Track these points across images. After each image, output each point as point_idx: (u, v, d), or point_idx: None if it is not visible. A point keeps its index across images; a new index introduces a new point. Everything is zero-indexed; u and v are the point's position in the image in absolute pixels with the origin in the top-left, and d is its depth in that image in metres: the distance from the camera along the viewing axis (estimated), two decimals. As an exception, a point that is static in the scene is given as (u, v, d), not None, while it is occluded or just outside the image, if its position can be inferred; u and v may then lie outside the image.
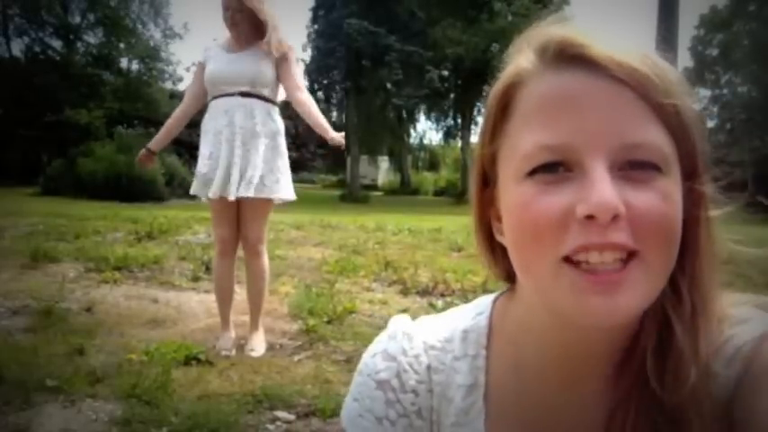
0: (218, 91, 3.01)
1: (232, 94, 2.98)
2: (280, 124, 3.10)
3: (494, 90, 0.56)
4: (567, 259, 0.48)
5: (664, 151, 0.48)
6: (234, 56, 3.01)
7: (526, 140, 0.50)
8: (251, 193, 2.93)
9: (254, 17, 2.98)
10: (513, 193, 0.52)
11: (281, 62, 3.07)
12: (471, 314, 0.66)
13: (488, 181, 0.58)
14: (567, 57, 0.50)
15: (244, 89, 2.98)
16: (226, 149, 2.95)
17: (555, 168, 0.49)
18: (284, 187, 3.07)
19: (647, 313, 0.52)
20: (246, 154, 2.96)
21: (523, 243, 0.51)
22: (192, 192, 3.11)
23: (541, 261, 0.49)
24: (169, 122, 3.20)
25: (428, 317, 0.69)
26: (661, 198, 0.47)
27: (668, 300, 0.52)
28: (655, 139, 0.48)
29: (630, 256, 0.47)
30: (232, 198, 2.93)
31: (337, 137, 3.00)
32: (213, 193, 2.95)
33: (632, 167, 0.48)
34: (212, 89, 3.03)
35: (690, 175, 0.51)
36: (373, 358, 0.64)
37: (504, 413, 0.60)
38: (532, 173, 0.50)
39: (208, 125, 3.03)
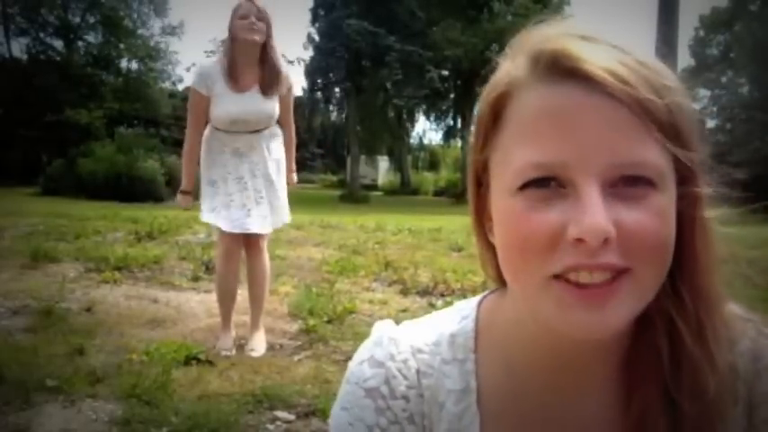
0: (225, 127, 3.02)
1: (241, 132, 3.01)
2: (281, 144, 3.19)
3: (485, 95, 0.55)
4: (556, 276, 0.48)
5: (659, 167, 0.47)
6: (242, 97, 2.98)
7: (517, 156, 0.49)
8: (268, 230, 3.07)
9: (268, 52, 3.00)
10: (504, 206, 0.51)
11: (283, 100, 3.12)
12: (456, 318, 0.65)
13: (482, 184, 0.57)
14: (560, 70, 0.49)
15: (255, 129, 3.03)
16: (234, 185, 3.01)
17: (546, 183, 0.48)
18: (284, 213, 3.18)
19: (653, 318, 0.52)
20: (254, 190, 3.02)
21: (513, 257, 0.51)
22: (204, 219, 3.09)
23: (530, 276, 0.49)
24: (188, 156, 3.16)
25: (411, 321, 0.68)
26: (654, 215, 0.47)
27: (672, 306, 0.52)
28: (650, 156, 0.47)
29: (620, 272, 0.47)
30: (254, 230, 3.03)
31: (292, 180, 3.28)
32: (210, 219, 3.02)
33: (625, 183, 0.47)
34: (220, 126, 3.03)
35: (686, 179, 0.51)
36: (360, 366, 0.63)
37: (499, 417, 0.60)
38: (524, 187, 0.49)
39: (213, 150, 3.06)
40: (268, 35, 2.97)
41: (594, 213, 0.45)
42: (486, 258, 0.61)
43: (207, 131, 3.09)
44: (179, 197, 3.25)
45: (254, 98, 2.99)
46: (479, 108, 0.56)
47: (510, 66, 0.53)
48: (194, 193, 3.25)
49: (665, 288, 0.51)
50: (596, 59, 0.48)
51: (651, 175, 0.47)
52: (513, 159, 0.50)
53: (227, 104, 2.96)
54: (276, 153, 3.13)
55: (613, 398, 0.57)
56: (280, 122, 3.19)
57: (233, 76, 2.97)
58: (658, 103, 0.47)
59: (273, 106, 3.05)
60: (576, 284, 0.47)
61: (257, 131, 3.04)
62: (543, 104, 0.49)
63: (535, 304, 0.50)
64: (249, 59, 2.98)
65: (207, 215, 3.06)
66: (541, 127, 0.49)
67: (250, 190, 3.01)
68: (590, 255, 0.46)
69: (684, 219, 0.51)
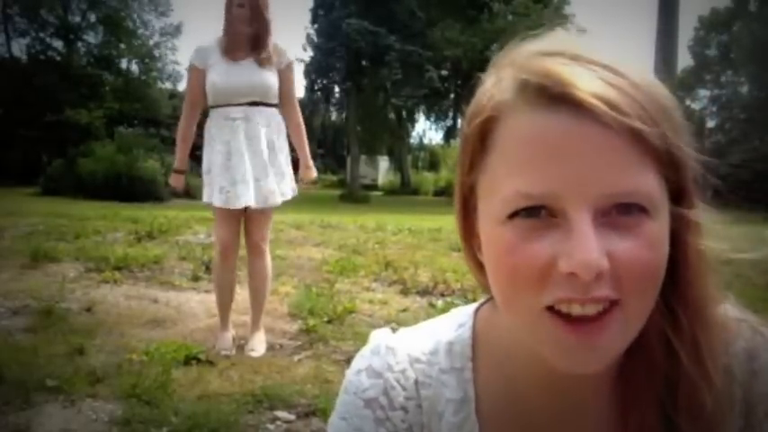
0: (222, 101, 3.01)
1: (238, 104, 2.99)
2: (283, 127, 3.14)
3: (471, 115, 0.53)
4: (548, 308, 0.47)
5: (652, 194, 0.46)
6: (236, 66, 2.99)
7: (506, 185, 0.48)
8: (263, 203, 2.98)
9: (262, 28, 2.99)
10: (494, 235, 0.50)
11: (283, 74, 3.09)
12: (453, 326, 0.64)
13: (469, 204, 0.56)
14: (550, 95, 0.47)
15: (250, 100, 3.00)
16: (234, 160, 2.96)
17: (536, 212, 0.47)
18: (289, 186, 3.13)
19: (648, 337, 0.52)
20: (257, 163, 2.98)
21: (503, 288, 0.50)
22: (206, 200, 3.06)
23: (522, 307, 0.49)
24: (182, 136, 3.16)
25: (408, 329, 0.67)
26: (647, 245, 0.46)
27: (668, 325, 0.52)
28: (643, 183, 0.46)
29: (612, 303, 0.47)
30: (250, 205, 2.96)
31: (311, 175, 3.19)
32: (220, 202, 2.96)
33: (618, 212, 0.46)
34: (216, 99, 3.02)
35: (679, 199, 0.50)
36: (358, 376, 0.62)
37: (499, 426, 0.60)
38: (513, 215, 0.47)
39: (213, 133, 3.02)
40: (261, 11, 2.97)
41: (587, 247, 0.44)
42: (476, 274, 0.60)
43: (208, 120, 3.09)
44: (172, 177, 3.22)
45: (248, 67, 3.00)
46: (465, 128, 0.54)
47: (496, 86, 0.51)
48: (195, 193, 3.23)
49: (660, 307, 0.51)
50: (587, 85, 0.46)
51: (644, 202, 0.46)
52: (501, 187, 0.49)
53: (220, 72, 2.99)
54: (276, 131, 3.08)
55: (609, 411, 0.56)
56: (283, 108, 3.15)
57: (227, 48, 3.01)
58: (652, 128, 0.46)
59: (268, 77, 3.02)
60: (568, 317, 0.47)
61: (254, 104, 3.00)
62: (532, 132, 0.47)
63: (528, 335, 0.50)
64: (242, 38, 3.00)
65: (206, 196, 3.04)
66: (530, 155, 0.47)
67: (247, 164, 2.96)
68: (582, 289, 0.45)
69: (678, 238, 0.50)
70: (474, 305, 0.66)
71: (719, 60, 28.94)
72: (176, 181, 3.21)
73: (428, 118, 35.09)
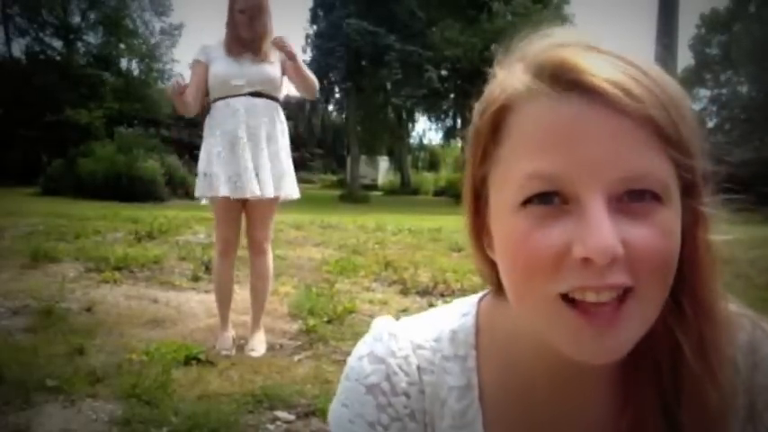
0: (225, 92, 3.01)
1: (241, 95, 3.00)
2: (285, 124, 3.15)
3: (482, 108, 0.53)
4: (563, 296, 0.47)
5: (664, 180, 0.47)
6: (240, 59, 3.02)
7: (520, 170, 0.48)
8: (267, 193, 2.96)
9: (263, 32, 3.02)
10: (506, 224, 0.50)
11: (284, 63, 3.12)
12: (457, 315, 0.64)
13: (480, 199, 0.55)
14: (564, 82, 0.47)
15: (253, 89, 3.01)
16: (238, 149, 2.95)
17: (550, 199, 0.47)
18: (291, 185, 3.12)
19: (654, 330, 0.51)
20: (258, 153, 2.98)
21: (516, 278, 0.50)
22: (197, 194, 3.05)
23: (536, 297, 0.49)
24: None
25: (410, 317, 0.67)
26: (660, 232, 0.46)
27: (674, 320, 0.52)
28: (656, 169, 0.46)
29: (626, 291, 0.47)
30: (256, 195, 2.94)
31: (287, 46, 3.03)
32: (227, 192, 2.94)
33: (631, 198, 0.46)
34: (219, 90, 3.03)
35: (689, 192, 0.50)
36: (360, 361, 0.62)
37: (501, 414, 0.60)
38: (526, 202, 0.48)
39: (215, 125, 3.02)
40: (262, 17, 3.01)
41: (601, 231, 0.44)
42: (485, 273, 0.60)
43: (208, 116, 3.08)
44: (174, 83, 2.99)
45: (249, 61, 3.03)
46: (476, 122, 0.54)
47: (508, 77, 0.52)
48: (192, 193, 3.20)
49: (667, 301, 0.50)
50: (600, 71, 0.46)
51: (657, 188, 0.46)
52: (514, 174, 0.49)
53: (222, 64, 3.02)
54: (277, 125, 3.08)
55: (611, 401, 0.57)
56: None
57: (228, 47, 3.04)
58: (663, 115, 0.46)
59: (270, 70, 3.05)
60: (583, 306, 0.46)
61: (256, 95, 3.02)
62: (546, 118, 0.48)
63: (542, 327, 0.50)
64: (243, 41, 3.03)
65: (206, 190, 2.98)
66: (544, 140, 0.47)
67: (248, 154, 2.95)
68: (597, 275, 0.45)
69: (687, 232, 0.50)
70: (477, 295, 0.66)
71: (720, 60, 28.95)
72: (179, 86, 2.92)
73: (428, 118, 35.08)
